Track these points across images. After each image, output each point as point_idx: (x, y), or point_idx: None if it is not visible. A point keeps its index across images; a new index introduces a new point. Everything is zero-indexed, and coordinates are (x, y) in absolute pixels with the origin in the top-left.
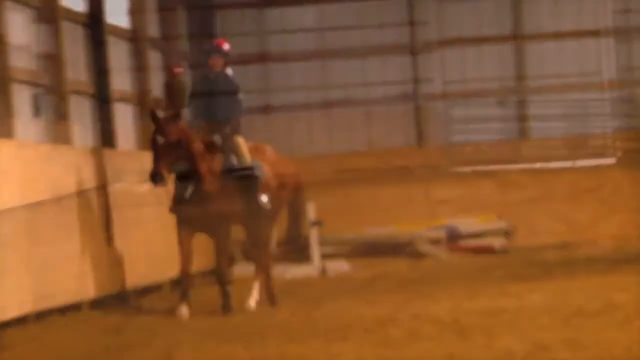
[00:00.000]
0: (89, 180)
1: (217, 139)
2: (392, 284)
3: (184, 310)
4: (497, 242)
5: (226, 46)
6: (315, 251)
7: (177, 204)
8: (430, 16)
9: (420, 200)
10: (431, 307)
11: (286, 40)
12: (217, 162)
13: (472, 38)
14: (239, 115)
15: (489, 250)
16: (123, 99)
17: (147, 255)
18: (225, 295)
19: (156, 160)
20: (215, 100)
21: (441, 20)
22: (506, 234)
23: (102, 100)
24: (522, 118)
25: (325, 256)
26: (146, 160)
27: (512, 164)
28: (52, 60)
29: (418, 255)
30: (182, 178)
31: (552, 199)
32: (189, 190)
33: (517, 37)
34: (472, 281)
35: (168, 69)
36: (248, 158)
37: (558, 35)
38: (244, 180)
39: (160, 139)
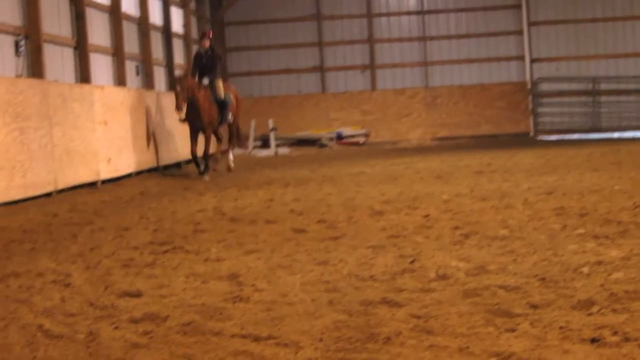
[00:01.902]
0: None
1: (205, 81)
2: (310, 159)
3: (205, 178)
4: (361, 139)
5: (210, 34)
6: (272, 143)
7: (186, 117)
8: None
9: (323, 119)
10: (328, 170)
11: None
12: (208, 95)
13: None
14: (218, 71)
15: (357, 144)
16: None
17: (171, 144)
18: (206, 166)
19: (177, 98)
20: (205, 64)
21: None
22: (365, 135)
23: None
24: None
25: (277, 145)
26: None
27: None
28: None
29: (322, 145)
30: (189, 105)
31: None
32: (191, 111)
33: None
34: (349, 158)
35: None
36: (223, 92)
37: None
38: (221, 105)
39: (179, 87)
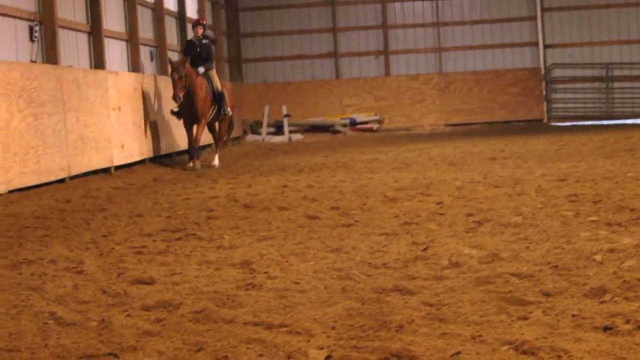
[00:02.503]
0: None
1: (201, 69)
2: (323, 145)
3: (195, 164)
4: (374, 126)
5: (204, 21)
6: (286, 129)
7: (180, 106)
8: None
9: (337, 105)
10: (341, 156)
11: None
12: (205, 85)
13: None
14: (212, 61)
15: (370, 130)
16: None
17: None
18: (194, 150)
19: (175, 87)
20: (199, 53)
21: None
22: (379, 122)
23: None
24: None
25: (291, 131)
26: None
27: None
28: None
29: (336, 132)
30: (185, 94)
31: None
32: (187, 100)
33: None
34: (362, 144)
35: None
36: (219, 85)
37: None
38: (219, 97)
39: (175, 75)
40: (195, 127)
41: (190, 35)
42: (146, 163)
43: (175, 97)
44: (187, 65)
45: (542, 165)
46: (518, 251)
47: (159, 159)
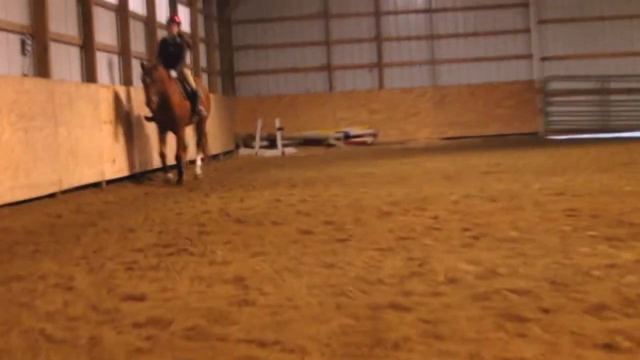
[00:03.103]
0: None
1: (173, 73)
2: (317, 159)
3: (169, 176)
4: (368, 139)
5: (177, 19)
6: (279, 142)
7: (154, 113)
8: None
9: (330, 118)
10: (335, 170)
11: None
12: (179, 89)
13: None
14: (185, 60)
15: (364, 144)
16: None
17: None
18: (180, 169)
19: (147, 92)
20: (172, 53)
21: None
22: (373, 135)
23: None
24: None
25: (284, 145)
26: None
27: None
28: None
29: (329, 145)
30: (158, 100)
31: None
32: (160, 106)
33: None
34: (356, 158)
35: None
36: (194, 85)
37: None
38: (192, 96)
39: (147, 79)
40: (174, 139)
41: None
42: (138, 177)
43: (148, 102)
44: (160, 69)
45: (538, 178)
46: (515, 267)
47: (152, 173)
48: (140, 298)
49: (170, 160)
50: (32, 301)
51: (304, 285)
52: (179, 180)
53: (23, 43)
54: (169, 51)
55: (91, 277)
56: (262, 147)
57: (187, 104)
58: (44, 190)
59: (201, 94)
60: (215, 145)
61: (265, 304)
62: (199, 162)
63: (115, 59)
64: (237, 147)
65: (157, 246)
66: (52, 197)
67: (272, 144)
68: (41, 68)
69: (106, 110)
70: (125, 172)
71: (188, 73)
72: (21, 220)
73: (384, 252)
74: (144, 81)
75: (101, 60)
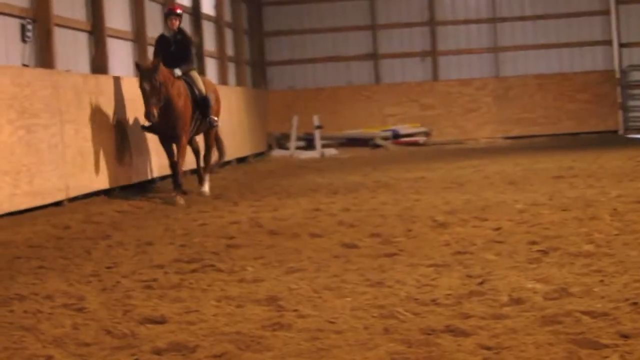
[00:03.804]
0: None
1: (177, 71)
2: (361, 162)
3: (178, 199)
4: (420, 139)
5: (179, 10)
6: (318, 143)
7: (152, 123)
8: None
9: (377, 115)
10: (382, 174)
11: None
12: (184, 92)
13: None
14: (192, 60)
15: (416, 144)
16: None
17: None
18: (175, 178)
19: (147, 102)
20: (174, 52)
21: None
22: (426, 134)
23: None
24: None
25: (323, 146)
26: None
27: None
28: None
29: (376, 146)
30: (162, 108)
31: None
32: (162, 113)
33: None
34: (407, 160)
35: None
36: (204, 89)
37: None
38: (202, 103)
39: (147, 85)
40: (175, 147)
41: (207, 35)
42: (157, 182)
43: (148, 115)
44: (162, 70)
45: (617, 184)
46: (590, 285)
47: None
48: (160, 321)
49: (190, 164)
50: (37, 324)
51: (347, 306)
52: (174, 195)
53: (23, 28)
54: (170, 52)
55: (104, 297)
56: (297, 148)
57: (191, 111)
58: (49, 197)
59: (212, 100)
60: (244, 146)
61: (302, 327)
62: (205, 186)
63: (128, 46)
64: (270, 148)
65: (179, 262)
66: (58, 205)
67: (309, 144)
68: (44, 57)
69: (119, 105)
70: (141, 177)
71: (196, 76)
72: (23, 233)
73: (438, 269)
74: (142, 88)
75: (113, 48)
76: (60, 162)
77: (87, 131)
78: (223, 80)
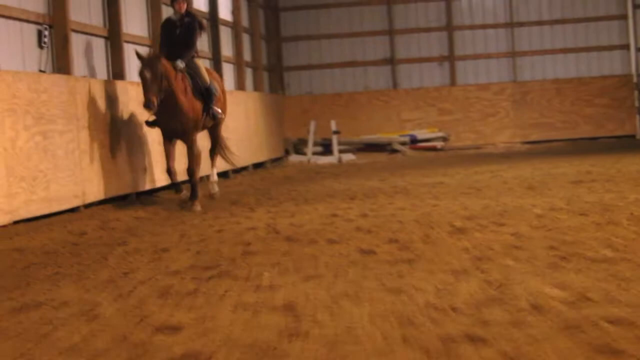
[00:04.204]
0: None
1: (180, 64)
2: (379, 167)
3: (183, 195)
4: (438, 144)
5: None
6: (335, 148)
7: (158, 117)
8: None
9: (394, 120)
10: (400, 180)
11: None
12: (188, 85)
13: None
14: (194, 47)
15: (434, 149)
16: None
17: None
18: (193, 187)
19: (147, 91)
20: (179, 37)
21: None
22: (444, 139)
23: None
24: None
25: (341, 151)
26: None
27: None
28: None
29: (393, 151)
30: (163, 100)
31: None
32: (164, 108)
33: None
34: (425, 166)
35: None
36: (207, 79)
37: None
38: (206, 94)
39: (147, 73)
40: (185, 149)
41: (224, 40)
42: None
43: (147, 104)
44: (163, 61)
45: (636, 189)
46: (610, 291)
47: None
48: (176, 329)
49: (182, 174)
50: (52, 332)
51: (365, 313)
52: (192, 203)
53: (40, 34)
54: (175, 35)
55: (119, 304)
56: (315, 153)
57: (199, 104)
58: (65, 204)
59: (217, 90)
60: (261, 151)
61: (319, 335)
62: (214, 177)
63: (146, 51)
64: (287, 153)
65: (195, 268)
66: (74, 212)
67: (326, 149)
68: (61, 63)
69: (136, 111)
70: (158, 183)
71: (200, 64)
72: (39, 239)
73: (457, 275)
74: (142, 76)
75: (130, 53)
76: (76, 168)
77: (103, 137)
78: (240, 86)
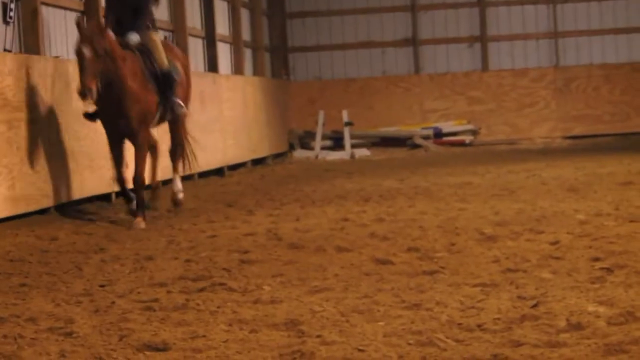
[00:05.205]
0: None
1: (133, 37)
2: (397, 164)
3: (137, 221)
4: (467, 138)
5: None
6: (347, 142)
7: (100, 110)
8: None
9: (416, 110)
10: (422, 179)
11: None
12: (139, 67)
13: None
14: (149, 14)
15: (461, 144)
16: None
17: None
18: (139, 199)
19: (83, 74)
20: (129, 5)
21: None
22: (473, 133)
23: None
24: None
25: (354, 145)
26: None
27: None
28: None
29: (415, 146)
30: (105, 88)
31: None
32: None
33: None
34: (450, 163)
35: None
36: (165, 60)
37: None
38: (164, 81)
39: (86, 51)
40: (131, 150)
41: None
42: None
43: (84, 92)
44: (109, 34)
45: None
46: None
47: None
48: (162, 348)
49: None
50: (18, 351)
51: (379, 331)
52: (136, 219)
53: (5, 7)
54: (125, 2)
55: (97, 320)
56: (323, 148)
57: (153, 93)
58: (33, 204)
59: (179, 74)
60: (261, 145)
61: (327, 356)
62: (177, 186)
63: None
64: (291, 148)
65: (184, 279)
66: (44, 213)
67: (337, 143)
68: (30, 41)
69: None
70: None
71: (156, 40)
72: (4, 245)
73: (486, 289)
74: (78, 54)
75: None
76: (46, 163)
77: (79, 128)
78: (238, 69)
